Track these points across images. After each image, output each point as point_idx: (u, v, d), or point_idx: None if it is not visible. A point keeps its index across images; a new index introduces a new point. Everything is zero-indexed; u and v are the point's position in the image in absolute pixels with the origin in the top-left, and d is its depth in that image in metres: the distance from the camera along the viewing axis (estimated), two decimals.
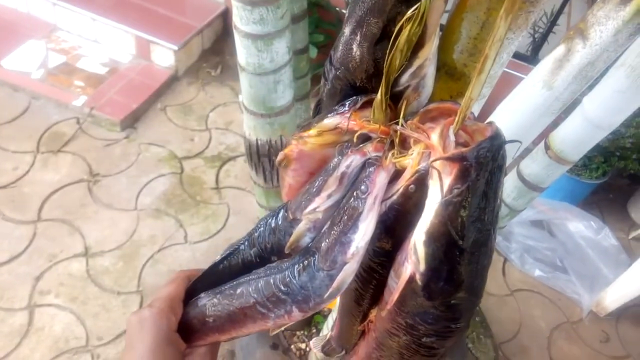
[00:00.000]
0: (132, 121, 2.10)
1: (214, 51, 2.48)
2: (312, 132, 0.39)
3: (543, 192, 0.84)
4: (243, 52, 0.60)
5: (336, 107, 0.38)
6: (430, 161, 0.32)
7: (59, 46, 2.30)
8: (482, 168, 0.31)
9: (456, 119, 0.32)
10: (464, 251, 0.34)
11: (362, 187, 0.36)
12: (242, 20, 0.56)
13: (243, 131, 0.79)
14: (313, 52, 2.00)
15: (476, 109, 0.39)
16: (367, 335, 0.53)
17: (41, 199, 1.77)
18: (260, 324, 0.49)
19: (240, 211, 1.87)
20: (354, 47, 0.35)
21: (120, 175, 1.90)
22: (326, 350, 0.69)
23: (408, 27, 0.30)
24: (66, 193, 1.81)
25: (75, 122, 2.04)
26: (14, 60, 2.19)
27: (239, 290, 0.49)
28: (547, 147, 0.77)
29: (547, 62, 0.54)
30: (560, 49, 0.52)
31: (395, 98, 0.37)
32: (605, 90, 0.65)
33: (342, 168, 0.38)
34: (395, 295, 0.39)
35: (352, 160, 0.37)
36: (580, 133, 0.72)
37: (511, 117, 0.59)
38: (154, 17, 2.34)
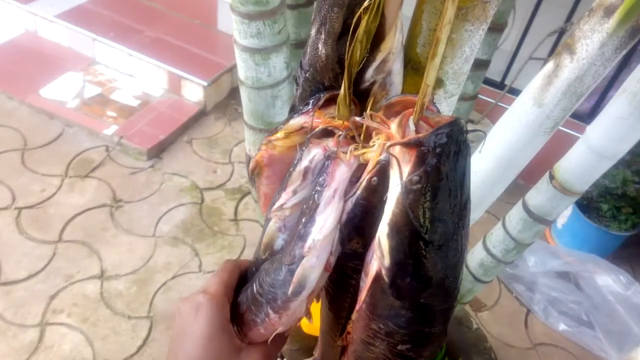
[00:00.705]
0: (158, 151, 2.16)
1: None
2: (280, 134, 0.39)
3: (549, 225, 0.82)
4: (242, 65, 0.62)
5: (301, 107, 0.38)
6: (387, 146, 0.32)
7: (95, 78, 2.42)
8: (441, 154, 0.31)
9: (415, 108, 0.32)
10: (429, 244, 0.34)
11: (320, 180, 0.36)
12: (240, 34, 0.59)
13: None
14: None
15: (445, 108, 0.39)
16: (346, 350, 0.51)
17: (64, 221, 1.81)
18: (257, 330, 0.48)
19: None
20: (320, 45, 0.36)
21: (142, 202, 1.94)
22: None
23: (365, 18, 0.31)
24: (89, 216, 1.85)
25: (105, 149, 2.11)
26: (52, 89, 2.30)
27: (241, 296, 0.49)
28: (552, 177, 0.75)
29: (537, 79, 0.53)
30: (549, 65, 0.52)
31: (363, 96, 0.38)
32: (608, 118, 0.64)
33: (304, 162, 0.37)
34: (363, 294, 0.38)
35: (315, 155, 0.37)
36: (584, 162, 0.70)
37: (503, 137, 0.59)
38: (186, 55, 2.45)
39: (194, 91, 2.37)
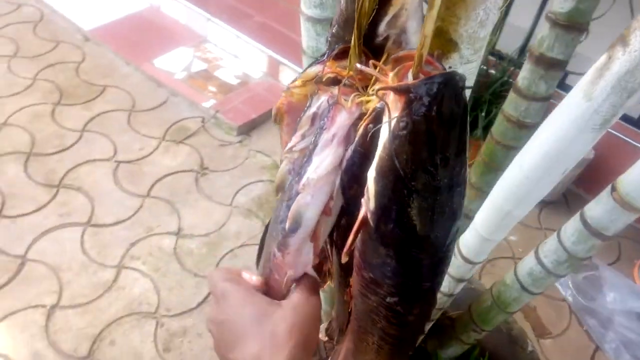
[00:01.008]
0: (248, 129, 2.28)
1: None
2: (297, 82, 0.42)
3: (606, 240, 0.77)
4: (305, 35, 0.66)
5: (318, 58, 0.41)
6: (377, 90, 0.33)
7: (204, 55, 2.59)
8: (430, 103, 0.31)
9: (415, 60, 0.33)
10: (413, 192, 0.34)
11: (321, 123, 0.39)
12: (305, 4, 0.62)
13: None
14: None
15: (461, 69, 0.39)
16: (350, 305, 0.53)
17: (154, 179, 1.98)
18: (272, 275, 0.52)
19: None
20: (342, 0, 0.38)
21: (225, 173, 2.06)
22: (328, 332, 0.69)
23: None
24: (176, 178, 2.00)
25: (201, 120, 2.27)
26: (164, 61, 2.51)
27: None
28: (613, 189, 0.71)
29: (589, 72, 0.51)
30: (602, 58, 0.50)
31: (379, 52, 0.39)
32: None
33: (313, 108, 0.40)
34: (351, 237, 0.39)
35: (322, 102, 0.39)
36: None
37: (550, 130, 0.57)
38: (288, 42, 2.54)
39: (290, 77, 2.47)
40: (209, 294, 1.64)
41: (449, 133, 0.33)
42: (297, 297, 0.47)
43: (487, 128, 1.90)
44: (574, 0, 0.73)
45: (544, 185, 0.63)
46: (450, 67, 0.38)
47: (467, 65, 0.38)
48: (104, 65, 2.48)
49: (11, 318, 1.52)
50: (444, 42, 0.37)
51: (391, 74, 0.34)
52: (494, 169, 0.92)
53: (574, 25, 0.74)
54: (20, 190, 1.87)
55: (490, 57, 2.05)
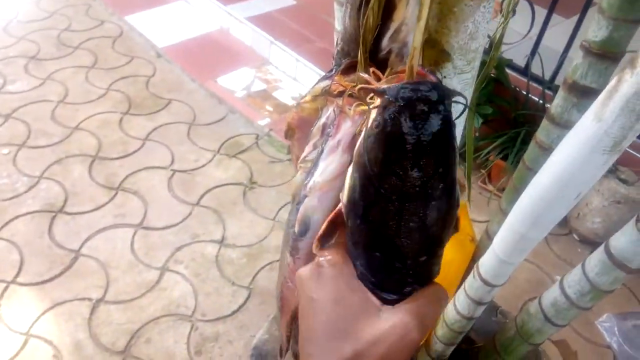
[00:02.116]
0: None
1: None
2: (307, 97, 0.46)
3: (630, 273, 0.75)
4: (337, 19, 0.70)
5: (326, 73, 0.44)
6: (357, 88, 0.36)
7: (264, 76, 2.71)
8: (403, 107, 0.32)
9: (406, 70, 0.36)
10: (379, 192, 0.35)
11: (328, 131, 0.42)
12: (338, 21, 0.67)
13: None
14: (477, 122, 2.01)
15: (456, 84, 0.41)
16: None
17: (205, 189, 2.07)
18: (286, 283, 0.54)
19: None
20: (346, 18, 0.42)
21: (272, 188, 2.12)
22: None
23: None
24: (225, 190, 2.08)
25: (255, 137, 2.36)
26: (227, 79, 2.64)
27: None
28: (638, 220, 0.70)
29: (601, 94, 0.52)
30: (613, 81, 0.50)
31: (384, 67, 0.42)
32: None
33: (322, 119, 0.43)
34: (324, 226, 0.40)
35: (330, 112, 0.43)
36: None
37: (563, 152, 0.58)
38: None
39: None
40: (243, 303, 1.69)
41: (419, 138, 0.33)
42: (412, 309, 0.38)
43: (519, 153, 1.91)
44: (608, 29, 0.73)
45: (557, 208, 0.62)
46: (444, 77, 0.41)
47: (461, 76, 0.40)
48: (172, 81, 2.64)
49: (59, 307, 1.63)
50: (437, 52, 0.39)
51: (383, 81, 0.37)
52: None
53: (607, 55, 0.73)
54: (82, 190, 2.01)
55: (524, 78, 2.05)
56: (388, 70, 0.42)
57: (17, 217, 1.89)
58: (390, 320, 0.37)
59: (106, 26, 2.99)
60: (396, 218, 0.35)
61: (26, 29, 2.89)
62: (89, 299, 1.66)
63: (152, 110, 2.44)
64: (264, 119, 2.43)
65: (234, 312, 1.66)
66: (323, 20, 2.96)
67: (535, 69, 2.05)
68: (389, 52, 0.41)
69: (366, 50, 0.40)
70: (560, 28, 2.34)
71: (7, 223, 1.86)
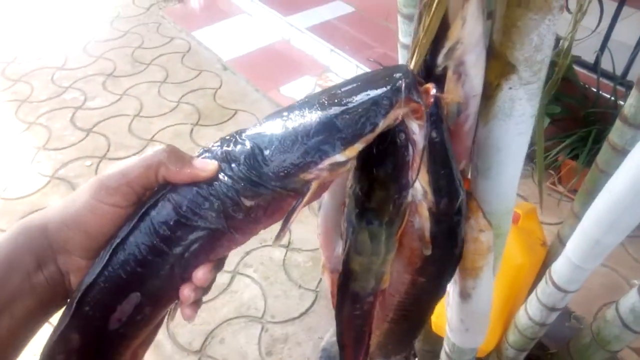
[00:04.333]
0: None
1: None
2: None
3: None
4: (401, 61, 0.72)
5: None
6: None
7: (325, 84, 2.75)
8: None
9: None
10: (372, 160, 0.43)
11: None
12: (402, 33, 0.69)
13: None
14: (545, 122, 1.96)
15: (523, 95, 0.42)
16: None
17: None
18: None
19: None
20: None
21: None
22: None
23: (431, 6, 0.38)
24: None
25: None
26: (289, 88, 2.72)
27: None
28: None
29: None
30: None
31: (442, 82, 0.44)
32: None
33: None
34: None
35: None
36: None
37: (625, 174, 0.57)
38: None
39: None
40: (310, 306, 1.73)
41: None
42: None
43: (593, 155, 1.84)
44: None
45: (634, 213, 0.62)
46: (510, 88, 0.42)
47: (527, 87, 0.41)
48: (237, 92, 2.75)
49: None
50: (502, 65, 0.41)
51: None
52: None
53: None
54: None
55: (593, 75, 1.96)
56: (445, 87, 0.44)
57: None
58: None
59: (176, 42, 3.15)
60: (379, 186, 0.48)
61: (103, 48, 3.10)
62: None
63: (220, 120, 2.54)
64: None
65: (301, 315, 1.71)
66: (382, 26, 2.97)
67: (606, 64, 1.96)
68: (445, 68, 0.43)
69: (418, 62, 0.42)
70: (631, 21, 2.23)
71: None
